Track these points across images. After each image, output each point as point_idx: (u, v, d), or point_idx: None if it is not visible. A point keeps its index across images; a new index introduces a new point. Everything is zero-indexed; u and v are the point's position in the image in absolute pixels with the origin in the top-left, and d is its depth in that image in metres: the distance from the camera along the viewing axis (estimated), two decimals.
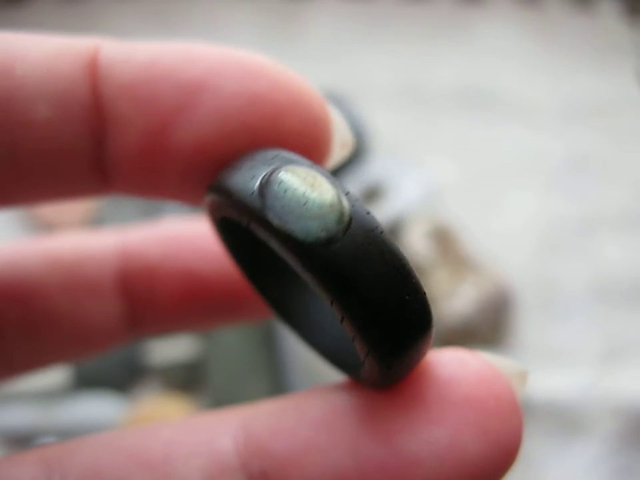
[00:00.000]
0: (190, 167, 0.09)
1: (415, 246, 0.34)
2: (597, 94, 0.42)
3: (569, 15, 0.45)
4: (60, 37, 0.10)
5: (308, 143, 0.10)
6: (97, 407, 0.31)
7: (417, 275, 0.08)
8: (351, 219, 0.08)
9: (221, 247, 0.11)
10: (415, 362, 0.08)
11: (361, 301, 0.08)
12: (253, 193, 0.08)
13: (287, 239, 0.08)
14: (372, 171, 0.37)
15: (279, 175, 0.08)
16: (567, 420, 0.32)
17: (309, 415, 0.08)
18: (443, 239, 0.34)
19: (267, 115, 0.09)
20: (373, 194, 0.36)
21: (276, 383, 0.32)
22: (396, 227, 0.35)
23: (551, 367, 0.34)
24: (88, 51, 0.10)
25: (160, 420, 0.09)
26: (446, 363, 0.09)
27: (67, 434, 0.31)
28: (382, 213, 0.35)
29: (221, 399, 0.32)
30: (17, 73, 0.09)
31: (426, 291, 0.08)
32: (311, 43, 0.43)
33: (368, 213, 0.08)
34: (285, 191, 0.08)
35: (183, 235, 0.13)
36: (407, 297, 0.08)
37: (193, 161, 0.09)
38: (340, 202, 0.08)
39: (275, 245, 0.08)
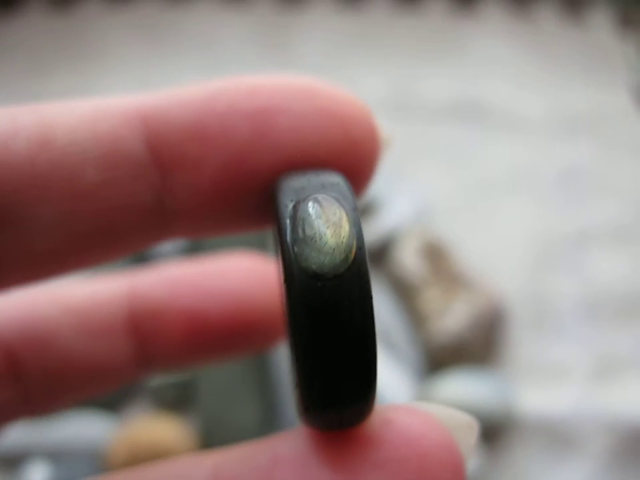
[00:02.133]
0: (264, 191, 0.10)
1: (407, 263, 0.34)
2: (590, 106, 0.42)
3: (561, 27, 0.45)
4: (92, 99, 0.10)
5: (372, 146, 0.10)
6: (88, 427, 0.31)
7: (376, 351, 0.08)
8: (346, 270, 0.08)
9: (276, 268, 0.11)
10: (343, 423, 0.09)
11: (310, 343, 0.08)
12: (288, 205, 0.09)
13: (285, 254, 0.08)
14: None
15: (316, 201, 0.08)
16: (560, 437, 0.32)
17: (255, 462, 0.09)
18: (435, 256, 0.34)
19: (337, 126, 0.10)
20: (364, 211, 0.36)
21: (267, 403, 0.32)
22: (387, 244, 0.35)
23: (543, 383, 0.33)
24: (126, 105, 0.10)
25: (135, 469, 0.09)
26: (385, 434, 0.09)
27: (57, 454, 0.31)
28: (373, 230, 0.35)
29: (212, 419, 0.31)
30: (58, 142, 0.09)
31: (376, 373, 0.08)
32: (302, 57, 0.43)
33: (365, 274, 0.08)
34: (309, 215, 0.08)
35: (186, 276, 0.14)
36: (355, 363, 0.08)
37: (268, 184, 0.10)
38: (346, 251, 0.08)
39: (279, 253, 0.08)
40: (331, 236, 0.08)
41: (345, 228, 0.08)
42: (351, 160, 0.10)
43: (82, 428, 0.31)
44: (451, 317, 0.32)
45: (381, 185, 0.37)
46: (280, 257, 0.08)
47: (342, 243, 0.08)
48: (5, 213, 0.09)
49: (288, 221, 0.08)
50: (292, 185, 0.09)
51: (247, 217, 0.10)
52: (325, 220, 0.08)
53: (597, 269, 0.37)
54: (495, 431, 0.32)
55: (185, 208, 0.10)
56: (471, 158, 0.40)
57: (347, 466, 0.08)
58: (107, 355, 0.13)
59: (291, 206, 0.09)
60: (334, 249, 0.08)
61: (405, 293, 0.33)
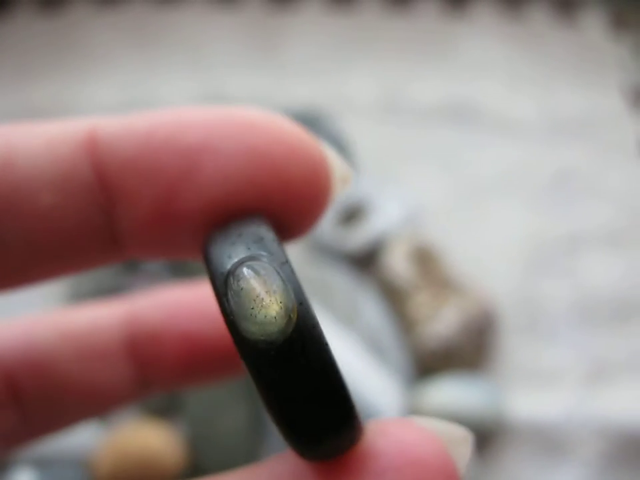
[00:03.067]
0: (197, 227, 0.10)
1: (396, 268, 0.33)
2: (582, 108, 0.42)
3: (554, 28, 0.45)
4: (55, 123, 0.10)
5: (310, 188, 0.10)
6: (74, 434, 0.31)
7: (347, 393, 0.08)
8: (293, 331, 0.08)
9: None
10: (331, 454, 0.09)
11: (279, 407, 0.08)
12: (222, 275, 0.09)
13: (233, 331, 0.08)
14: (352, 190, 0.37)
15: (243, 271, 0.09)
16: (551, 442, 0.32)
17: None
18: (425, 260, 0.34)
19: (267, 168, 0.10)
20: (353, 214, 0.36)
21: (253, 409, 0.31)
22: (377, 248, 0.35)
23: (535, 388, 0.33)
24: (84, 131, 0.10)
25: None
26: (378, 446, 0.09)
27: (44, 461, 0.31)
28: (362, 235, 0.35)
29: (199, 425, 0.31)
30: (19, 166, 0.10)
31: (352, 408, 0.08)
32: (293, 59, 0.43)
33: (314, 327, 0.08)
34: (241, 290, 0.08)
35: (184, 299, 0.14)
36: (324, 413, 0.08)
37: (200, 220, 0.10)
38: (287, 313, 0.08)
39: (227, 329, 0.09)
40: (269, 306, 0.08)
41: (280, 292, 0.08)
42: (284, 203, 0.10)
43: (69, 435, 0.31)
44: (441, 322, 0.32)
45: (370, 188, 0.37)
46: (230, 333, 0.09)
47: (281, 308, 0.08)
48: None
49: (225, 299, 0.08)
50: (218, 252, 0.09)
51: (185, 249, 0.11)
52: (258, 291, 0.08)
53: (589, 273, 0.36)
54: (486, 437, 0.32)
55: (131, 233, 0.10)
56: (462, 160, 0.40)
57: (344, 477, 0.09)
58: (106, 379, 0.13)
59: (222, 279, 0.09)
60: (275, 317, 0.08)
61: (394, 297, 0.33)
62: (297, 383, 0.08)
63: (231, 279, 0.09)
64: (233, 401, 0.31)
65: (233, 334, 0.08)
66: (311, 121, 0.39)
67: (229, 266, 0.09)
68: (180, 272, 0.35)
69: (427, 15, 0.45)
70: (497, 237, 0.37)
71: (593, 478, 0.31)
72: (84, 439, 0.31)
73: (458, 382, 0.32)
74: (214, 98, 0.41)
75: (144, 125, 0.10)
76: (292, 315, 0.08)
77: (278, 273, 0.09)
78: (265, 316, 0.08)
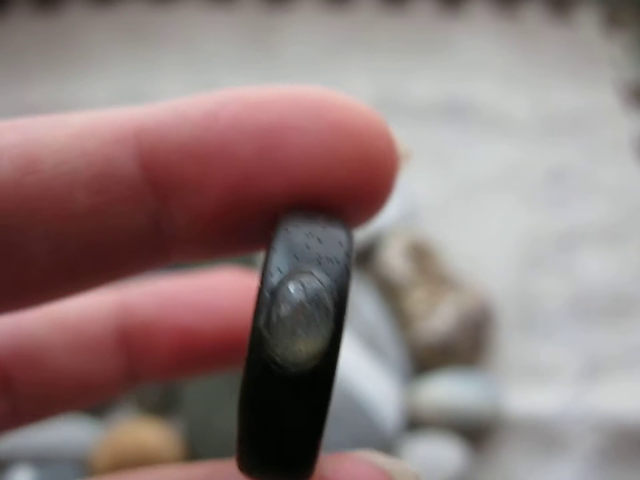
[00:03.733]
0: (270, 214, 0.09)
1: (393, 264, 0.33)
2: (576, 106, 0.42)
3: (548, 26, 0.45)
4: (81, 114, 0.09)
5: (390, 163, 0.10)
6: (72, 432, 0.31)
7: (315, 454, 0.08)
8: (308, 373, 0.08)
9: None
10: None
11: (251, 434, 0.08)
12: (275, 279, 0.08)
13: (254, 337, 0.08)
14: None
15: (301, 284, 0.08)
16: (547, 437, 0.32)
17: None
18: (421, 257, 0.34)
19: (353, 143, 0.09)
20: None
21: None
22: (373, 244, 0.35)
23: (531, 384, 0.33)
24: (119, 120, 0.09)
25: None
26: (331, 471, 0.09)
27: (41, 459, 0.31)
28: (359, 231, 0.35)
29: (196, 423, 0.31)
30: (44, 163, 0.08)
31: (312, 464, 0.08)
32: (289, 58, 0.43)
33: (329, 380, 0.08)
34: (285, 308, 0.08)
35: (178, 290, 0.14)
36: (287, 464, 0.08)
37: (275, 206, 0.09)
38: (314, 356, 0.08)
39: (250, 329, 0.08)
40: (304, 336, 0.08)
41: (321, 331, 0.08)
42: (367, 179, 0.09)
43: (66, 433, 0.31)
44: (438, 318, 0.32)
45: None
46: (249, 331, 0.08)
47: (312, 345, 0.08)
48: None
49: (268, 296, 0.08)
50: (288, 245, 0.08)
51: (249, 240, 0.10)
52: (303, 316, 0.08)
53: (585, 269, 0.36)
54: (482, 432, 0.32)
55: (183, 232, 0.09)
56: (457, 158, 0.40)
57: None
58: (97, 369, 0.13)
59: (276, 278, 0.08)
60: (301, 350, 0.08)
61: (391, 293, 0.33)
62: (283, 415, 0.08)
63: (286, 286, 0.08)
64: (230, 398, 0.31)
65: (253, 336, 0.08)
66: None
67: (291, 269, 0.08)
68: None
69: (423, 14, 0.45)
70: (492, 234, 0.37)
71: (588, 472, 0.32)
72: (82, 437, 0.31)
73: (455, 377, 0.32)
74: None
75: (202, 107, 0.09)
76: (316, 358, 0.08)
77: (328, 313, 0.08)
78: (294, 342, 0.08)
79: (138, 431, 0.31)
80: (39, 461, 0.30)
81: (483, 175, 0.39)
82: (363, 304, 0.33)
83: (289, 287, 0.08)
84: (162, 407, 0.32)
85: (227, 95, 0.09)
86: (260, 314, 0.08)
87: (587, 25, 0.45)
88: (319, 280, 0.08)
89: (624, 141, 0.41)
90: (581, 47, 0.44)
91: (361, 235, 0.35)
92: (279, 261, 0.08)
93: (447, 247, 0.36)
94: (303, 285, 0.08)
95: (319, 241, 0.08)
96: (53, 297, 0.10)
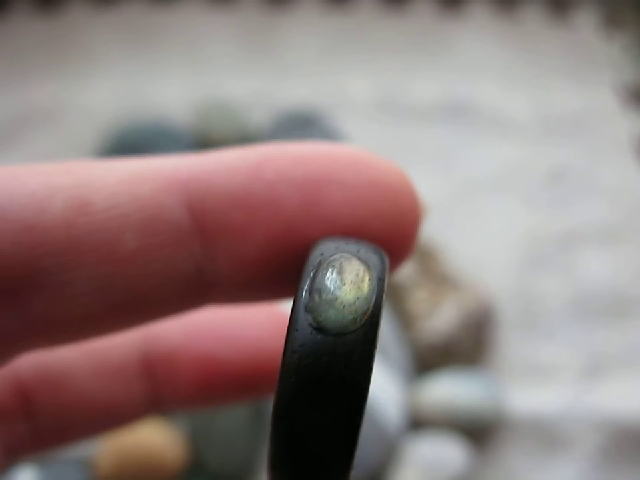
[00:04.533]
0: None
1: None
2: (576, 106, 0.42)
3: (547, 28, 0.45)
4: (131, 161, 0.10)
5: (416, 216, 0.10)
6: None
7: (357, 434, 0.08)
8: (353, 331, 0.08)
9: None
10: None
11: (289, 411, 0.08)
12: (315, 258, 0.09)
13: (297, 299, 0.08)
14: None
15: (336, 256, 0.08)
16: (549, 436, 0.32)
17: None
18: (423, 257, 0.34)
19: (388, 201, 0.10)
20: None
21: (255, 406, 0.32)
22: None
23: (533, 383, 0.34)
24: (168, 169, 0.09)
25: None
26: None
27: (46, 460, 0.31)
28: None
29: (200, 423, 0.31)
30: (97, 206, 0.09)
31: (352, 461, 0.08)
32: (290, 58, 0.43)
33: (373, 336, 0.08)
34: (330, 268, 0.08)
35: (203, 319, 0.14)
36: (330, 447, 0.08)
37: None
38: (357, 312, 0.08)
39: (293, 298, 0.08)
40: (346, 293, 0.08)
41: (363, 290, 0.08)
42: (399, 231, 0.10)
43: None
44: (440, 318, 0.32)
45: None
46: (293, 299, 0.08)
47: (354, 302, 0.08)
48: (39, 277, 0.09)
49: (311, 269, 0.08)
50: (327, 242, 0.09)
51: (289, 285, 0.10)
52: (346, 275, 0.08)
53: (585, 269, 0.37)
54: (484, 431, 0.32)
55: (226, 277, 0.10)
56: (458, 158, 0.40)
57: None
58: (120, 395, 0.13)
59: (319, 258, 0.08)
60: (344, 306, 0.08)
61: (393, 294, 0.33)
62: (322, 384, 0.08)
63: (329, 258, 0.08)
64: None
65: (296, 301, 0.08)
66: (308, 119, 0.39)
67: (332, 251, 0.09)
68: None
69: (423, 15, 0.45)
70: (493, 234, 0.37)
71: (590, 471, 0.32)
72: None
73: (457, 377, 0.32)
74: (212, 97, 0.41)
75: (247, 160, 0.09)
76: (358, 318, 0.08)
77: (370, 278, 0.08)
78: (336, 299, 0.08)
79: (142, 432, 0.31)
80: (43, 461, 0.30)
81: (484, 175, 0.39)
82: None
83: (332, 258, 0.08)
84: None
85: (271, 149, 0.10)
86: (304, 280, 0.08)
87: (586, 26, 0.45)
88: (357, 256, 0.08)
89: (623, 141, 0.41)
90: (580, 48, 0.44)
91: None
92: (320, 249, 0.09)
93: (448, 247, 0.36)
94: (344, 257, 0.08)
95: (356, 243, 0.09)
96: (93, 334, 0.10)
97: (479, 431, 0.32)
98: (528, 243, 0.37)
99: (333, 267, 0.08)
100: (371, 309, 0.08)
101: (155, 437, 0.30)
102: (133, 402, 0.13)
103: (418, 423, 0.32)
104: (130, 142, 0.38)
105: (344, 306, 0.08)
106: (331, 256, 0.08)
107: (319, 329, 0.08)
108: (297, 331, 0.08)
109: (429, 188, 0.38)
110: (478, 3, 0.45)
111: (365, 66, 0.43)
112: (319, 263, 0.08)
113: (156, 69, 0.43)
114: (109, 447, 0.30)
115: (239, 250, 0.09)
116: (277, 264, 0.10)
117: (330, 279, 0.08)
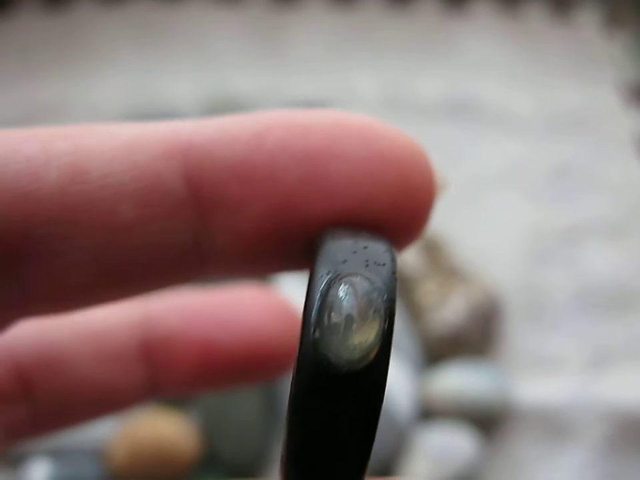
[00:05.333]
0: (311, 236, 0.09)
1: (404, 257, 0.34)
2: (578, 103, 0.43)
3: (550, 26, 0.46)
4: (132, 125, 0.09)
5: (429, 193, 0.10)
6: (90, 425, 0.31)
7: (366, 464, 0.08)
8: (364, 368, 0.08)
9: None
10: None
11: (299, 451, 0.08)
12: (326, 276, 0.08)
13: (304, 338, 0.08)
14: None
15: (351, 281, 0.08)
16: (556, 426, 0.33)
17: None
18: (432, 250, 0.35)
19: (396, 173, 0.09)
20: None
21: (267, 397, 0.32)
22: None
23: (539, 374, 0.34)
24: (168, 136, 0.09)
25: None
26: None
27: (59, 451, 0.31)
28: None
29: (213, 414, 0.32)
30: (92, 174, 0.09)
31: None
32: (296, 56, 0.44)
33: (380, 379, 0.08)
34: (339, 303, 0.08)
35: (202, 305, 0.14)
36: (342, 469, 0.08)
37: (317, 229, 0.09)
38: (366, 352, 0.08)
39: (300, 330, 0.08)
40: (357, 332, 0.08)
41: (374, 326, 0.08)
42: (408, 208, 0.09)
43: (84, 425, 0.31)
44: (449, 310, 0.33)
45: None
46: (300, 333, 0.08)
47: (366, 341, 0.08)
48: (33, 245, 0.09)
49: (318, 298, 0.08)
50: (335, 251, 0.08)
51: (287, 261, 0.10)
52: (355, 312, 0.08)
53: (589, 262, 0.37)
54: (492, 421, 0.32)
55: (222, 250, 0.09)
56: (463, 154, 0.41)
57: None
58: (118, 379, 0.13)
59: (325, 280, 0.08)
60: (355, 346, 0.08)
61: (402, 286, 0.34)
62: (332, 422, 0.08)
63: (335, 285, 0.08)
64: (247, 390, 0.32)
65: (304, 338, 0.08)
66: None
67: (339, 271, 0.08)
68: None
69: (427, 14, 0.46)
70: (499, 228, 0.38)
71: (596, 459, 0.32)
72: (99, 429, 0.31)
73: (466, 368, 0.32)
74: (220, 93, 0.41)
75: (249, 129, 0.09)
76: (370, 354, 0.08)
77: (379, 309, 0.08)
78: (347, 339, 0.08)
79: (155, 423, 0.31)
80: (57, 453, 0.31)
81: (489, 171, 0.40)
82: None
83: (339, 288, 0.08)
84: (179, 399, 0.32)
85: (274, 118, 0.09)
86: (311, 313, 0.08)
87: (588, 24, 0.46)
88: (368, 279, 0.08)
89: (625, 138, 0.42)
90: (582, 46, 0.45)
91: None
92: (327, 264, 0.08)
93: (455, 241, 0.36)
94: (353, 286, 0.08)
95: (365, 247, 0.08)
96: (89, 303, 0.10)
97: (487, 421, 0.32)
98: (533, 237, 0.38)
99: (341, 298, 0.08)
100: (380, 343, 0.08)
101: (168, 428, 0.31)
102: (131, 386, 0.13)
103: (428, 413, 0.32)
104: None
105: (355, 346, 0.08)
106: (339, 279, 0.08)
107: (329, 367, 0.08)
108: (308, 366, 0.08)
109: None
110: (481, 2, 0.46)
111: (370, 63, 0.43)
112: (328, 287, 0.08)
113: (164, 66, 0.43)
114: (122, 438, 0.30)
115: (235, 223, 0.09)
116: (275, 238, 0.09)
117: (340, 314, 0.08)
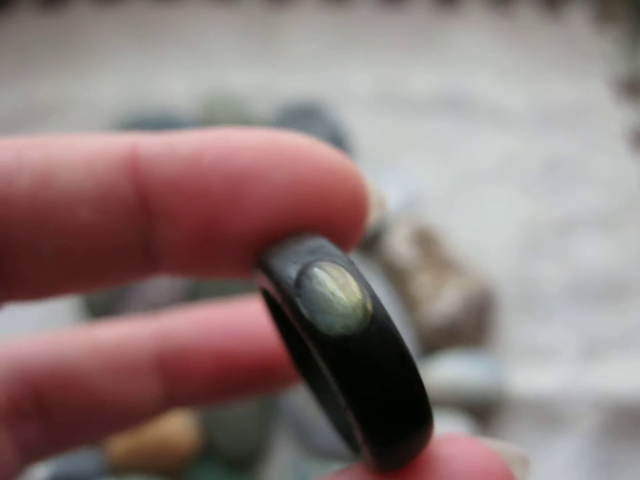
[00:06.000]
0: (240, 249, 0.10)
1: (398, 249, 0.34)
2: (570, 98, 0.43)
3: (541, 22, 0.46)
4: (96, 137, 0.10)
5: (352, 215, 0.10)
6: None
7: (423, 383, 0.09)
8: (370, 323, 0.08)
9: (266, 314, 0.12)
10: (408, 456, 0.09)
11: (362, 399, 0.08)
12: (290, 279, 0.09)
13: (310, 328, 0.08)
14: None
15: (315, 270, 0.09)
16: (549, 415, 0.33)
17: None
18: (426, 242, 0.35)
19: (312, 196, 0.10)
20: None
21: (266, 397, 0.32)
22: (379, 231, 0.36)
23: (533, 364, 0.35)
24: (125, 149, 0.10)
25: None
26: (447, 452, 0.09)
27: None
28: None
29: (212, 411, 0.32)
30: (58, 181, 0.10)
31: (428, 398, 0.09)
32: (292, 53, 0.44)
33: (388, 319, 0.09)
34: (317, 286, 0.08)
35: (215, 317, 0.14)
36: (406, 403, 0.08)
37: (244, 244, 0.10)
38: (364, 305, 0.08)
39: (300, 330, 0.09)
40: (346, 297, 0.08)
41: (353, 284, 0.09)
42: (326, 229, 0.10)
43: None
44: (443, 301, 0.33)
45: (370, 175, 0.38)
46: (303, 332, 0.08)
47: (357, 298, 0.08)
48: (10, 244, 0.10)
49: (297, 299, 0.08)
50: (281, 261, 0.09)
51: (227, 269, 0.11)
52: (334, 284, 0.08)
53: (582, 254, 0.38)
54: (486, 411, 0.33)
55: (168, 254, 0.10)
56: (457, 148, 0.41)
57: (418, 478, 0.09)
58: (133, 394, 0.13)
59: (292, 282, 0.09)
60: (353, 308, 0.08)
61: (397, 278, 0.34)
62: (378, 375, 0.08)
63: (303, 278, 0.09)
64: None
65: (310, 331, 0.08)
66: (310, 111, 0.40)
67: (296, 269, 0.09)
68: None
69: (420, 11, 0.46)
70: (492, 221, 0.38)
71: (589, 448, 0.33)
72: None
73: (460, 358, 0.33)
74: (216, 90, 0.42)
75: (190, 146, 0.10)
76: (368, 307, 0.08)
77: (348, 271, 0.09)
78: (345, 307, 0.08)
79: (160, 420, 0.31)
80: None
81: (482, 165, 0.40)
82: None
83: (307, 276, 0.09)
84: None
85: (212, 138, 0.10)
86: (296, 306, 0.08)
87: (579, 20, 0.46)
88: (332, 261, 0.09)
89: (616, 132, 0.42)
90: (573, 42, 0.45)
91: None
92: (283, 271, 0.09)
93: (449, 234, 0.37)
94: (321, 268, 0.09)
95: (300, 246, 0.09)
96: (56, 293, 0.11)
97: (482, 411, 0.33)
98: (526, 229, 0.38)
99: (318, 281, 0.09)
100: (368, 292, 0.09)
101: (167, 422, 0.31)
102: (147, 400, 0.14)
103: None
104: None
105: (353, 308, 0.08)
106: (303, 272, 0.09)
107: (346, 339, 0.08)
108: (331, 353, 0.08)
109: (429, 177, 0.40)
110: (473, 0, 0.46)
111: (364, 60, 0.44)
112: (298, 285, 0.09)
113: (160, 64, 0.43)
114: (122, 435, 0.31)
115: (173, 231, 0.10)
116: (211, 247, 0.10)
117: (325, 294, 0.08)
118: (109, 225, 0.10)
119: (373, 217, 0.11)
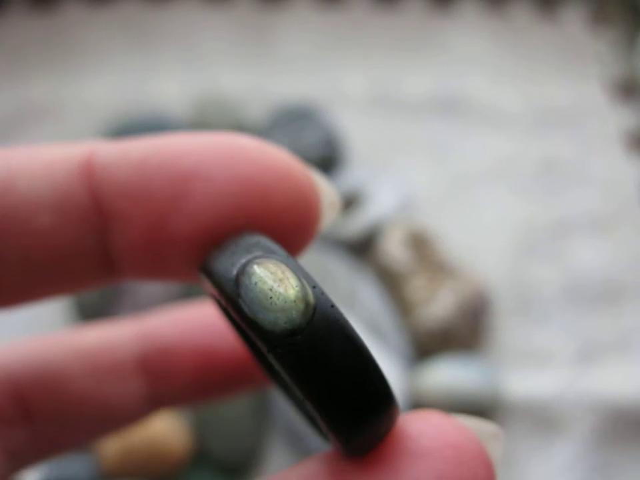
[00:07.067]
0: (189, 250, 0.10)
1: (393, 253, 0.34)
2: (564, 100, 0.43)
3: (536, 23, 0.46)
4: (54, 146, 0.11)
5: (298, 214, 0.10)
6: None
7: (377, 364, 0.08)
8: (314, 313, 0.08)
9: (221, 317, 0.12)
10: (375, 439, 0.09)
11: (317, 391, 0.08)
12: (230, 280, 0.09)
13: (255, 327, 0.08)
14: (347, 180, 0.38)
15: (252, 268, 0.09)
16: (545, 419, 0.33)
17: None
18: (420, 246, 0.35)
19: (255, 196, 0.10)
20: (348, 203, 0.37)
21: (258, 395, 0.32)
22: (373, 235, 0.36)
23: (529, 368, 0.34)
24: (81, 156, 0.10)
25: None
26: (417, 430, 0.09)
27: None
28: (358, 222, 0.36)
29: (204, 413, 0.32)
30: (19, 188, 0.10)
31: (385, 378, 0.09)
32: (285, 55, 0.44)
33: (332, 306, 0.08)
34: (255, 284, 0.08)
35: (195, 316, 0.14)
36: (362, 387, 0.08)
37: (191, 244, 0.10)
38: (305, 297, 0.08)
39: (246, 329, 0.09)
40: (286, 292, 0.08)
41: (292, 277, 0.08)
42: (272, 228, 0.10)
43: None
44: (438, 304, 0.33)
45: (364, 177, 0.38)
46: (250, 331, 0.08)
47: (298, 291, 0.08)
48: None
49: (239, 299, 0.08)
50: (220, 262, 0.09)
51: (179, 272, 0.11)
52: (272, 279, 0.08)
53: (577, 257, 0.38)
54: (482, 414, 0.33)
55: (124, 257, 0.11)
56: (451, 150, 0.41)
57: (387, 457, 0.09)
58: (118, 397, 0.13)
59: (232, 282, 0.09)
60: (294, 301, 0.08)
61: (391, 281, 0.34)
62: (329, 364, 0.08)
63: (242, 277, 0.09)
64: None
65: (255, 329, 0.08)
66: (303, 113, 0.40)
67: (235, 270, 0.09)
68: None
69: (414, 12, 0.46)
70: (487, 223, 0.38)
71: (585, 452, 0.33)
72: None
73: (455, 362, 0.33)
74: (208, 92, 0.41)
75: (139, 151, 0.10)
76: (309, 299, 0.08)
77: (285, 264, 0.09)
78: (285, 301, 0.08)
79: (148, 425, 0.31)
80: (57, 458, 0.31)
81: (477, 167, 0.40)
82: (364, 292, 0.34)
83: (246, 269, 0.09)
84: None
85: (160, 142, 0.10)
86: (238, 306, 0.08)
87: (574, 22, 0.46)
88: (270, 257, 0.09)
89: (611, 133, 0.42)
90: (568, 43, 0.45)
91: (360, 225, 0.36)
92: (223, 272, 0.09)
93: (443, 237, 0.36)
94: (259, 264, 0.09)
95: (238, 246, 0.09)
96: (19, 300, 0.11)
97: (477, 414, 0.32)
98: (521, 231, 0.38)
99: (254, 282, 0.08)
100: (307, 283, 0.09)
101: (159, 427, 0.31)
102: (131, 401, 0.14)
103: (418, 407, 0.32)
104: (128, 137, 0.39)
105: (294, 301, 0.08)
106: (241, 274, 0.09)
107: (293, 332, 0.08)
108: (280, 349, 0.08)
109: (424, 180, 0.39)
110: (468, 1, 0.46)
111: (358, 61, 0.44)
112: (237, 286, 0.09)
113: (153, 65, 0.43)
114: (114, 437, 0.30)
115: (125, 235, 0.10)
116: (162, 249, 0.10)
117: (264, 292, 0.08)
118: (67, 230, 0.10)
119: (327, 219, 0.11)
